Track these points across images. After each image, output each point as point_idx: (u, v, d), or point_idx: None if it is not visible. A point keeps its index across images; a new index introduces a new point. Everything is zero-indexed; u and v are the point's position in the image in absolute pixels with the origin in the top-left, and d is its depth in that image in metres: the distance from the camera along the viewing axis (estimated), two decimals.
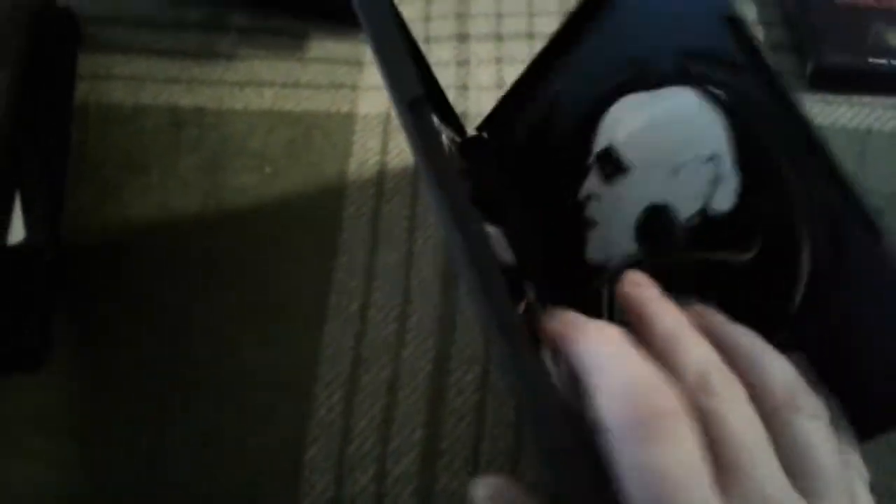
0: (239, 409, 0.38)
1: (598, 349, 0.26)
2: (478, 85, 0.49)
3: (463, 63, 0.51)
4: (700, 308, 0.31)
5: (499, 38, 0.52)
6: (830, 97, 0.49)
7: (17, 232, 0.36)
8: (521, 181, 0.42)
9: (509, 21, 0.53)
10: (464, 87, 0.49)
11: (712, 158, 0.35)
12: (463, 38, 0.52)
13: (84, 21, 0.50)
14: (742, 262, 0.34)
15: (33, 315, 0.38)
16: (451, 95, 0.49)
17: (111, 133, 0.46)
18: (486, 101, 0.46)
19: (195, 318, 0.41)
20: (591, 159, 0.38)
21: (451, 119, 0.44)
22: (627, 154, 0.37)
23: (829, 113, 0.48)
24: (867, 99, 0.49)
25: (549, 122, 0.41)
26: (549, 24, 0.53)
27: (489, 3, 0.54)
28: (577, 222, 0.38)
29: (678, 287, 0.34)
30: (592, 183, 0.38)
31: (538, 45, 0.51)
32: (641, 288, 0.30)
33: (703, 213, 0.35)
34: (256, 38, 0.51)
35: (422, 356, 0.40)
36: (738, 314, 0.32)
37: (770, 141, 0.33)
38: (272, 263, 0.42)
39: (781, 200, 0.33)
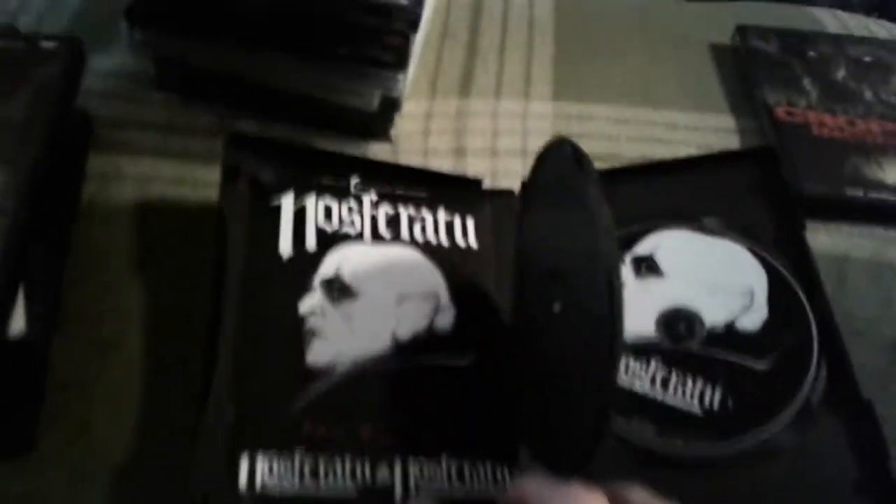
0: None
1: None
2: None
3: None
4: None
5: (494, 153, 0.55)
6: (809, 224, 0.51)
7: (17, 324, 0.37)
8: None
9: (504, 139, 0.55)
10: None
11: (748, 292, 0.45)
12: (460, 152, 0.54)
13: (96, 122, 0.52)
14: (754, 369, 0.42)
15: (26, 406, 0.38)
16: None
17: (115, 230, 0.48)
18: None
19: (184, 418, 0.41)
20: (628, 257, 0.46)
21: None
22: (665, 264, 0.46)
23: (808, 239, 0.50)
24: (845, 227, 0.51)
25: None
26: (541, 143, 0.55)
27: (486, 121, 0.56)
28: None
29: (687, 371, 0.42)
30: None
31: (530, 162, 0.54)
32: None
33: (729, 327, 0.44)
34: None
35: None
36: (736, 405, 0.41)
37: (799, 293, 0.45)
38: None
39: (802, 337, 0.43)
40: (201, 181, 0.51)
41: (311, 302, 0.41)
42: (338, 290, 0.42)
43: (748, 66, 0.60)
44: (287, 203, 0.44)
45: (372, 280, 0.43)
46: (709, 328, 0.43)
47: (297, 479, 0.36)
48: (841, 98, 0.58)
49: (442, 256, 0.45)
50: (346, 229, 0.44)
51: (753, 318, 0.44)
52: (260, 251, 0.42)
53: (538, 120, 0.57)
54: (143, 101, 0.55)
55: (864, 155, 0.54)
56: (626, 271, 0.46)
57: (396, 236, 0.45)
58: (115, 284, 0.45)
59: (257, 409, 0.37)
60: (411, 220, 0.46)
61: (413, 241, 0.45)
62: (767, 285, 0.45)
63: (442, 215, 0.47)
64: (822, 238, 0.50)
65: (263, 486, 0.35)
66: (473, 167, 0.53)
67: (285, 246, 0.42)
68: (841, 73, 0.60)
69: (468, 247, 0.46)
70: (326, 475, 0.36)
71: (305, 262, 0.42)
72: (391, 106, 0.52)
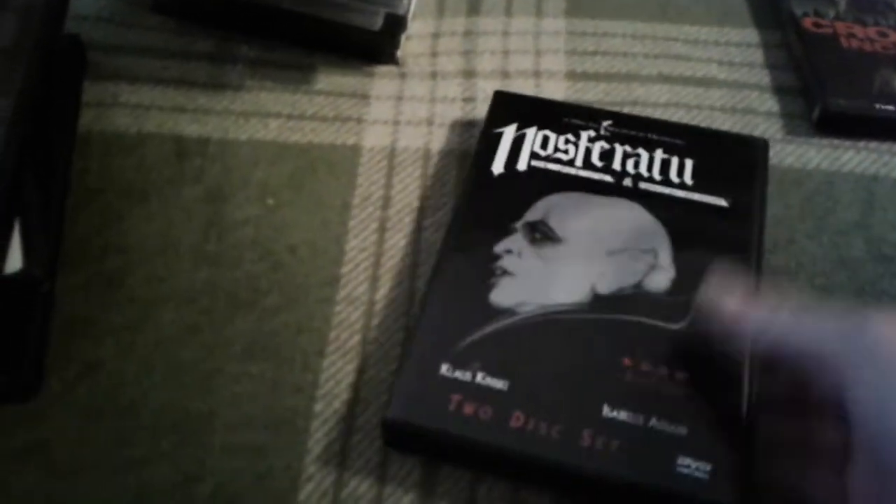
0: (232, 446, 0.38)
1: None
2: (483, 121, 0.49)
3: (469, 100, 0.51)
4: None
5: (505, 75, 0.52)
6: (837, 142, 0.49)
7: (14, 261, 0.36)
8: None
9: (515, 59, 0.53)
10: (470, 124, 0.49)
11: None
12: (469, 74, 0.52)
13: (91, 48, 0.51)
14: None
15: (29, 346, 0.37)
16: (457, 131, 0.49)
17: (114, 161, 0.46)
18: None
19: (189, 353, 0.40)
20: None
21: None
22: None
23: (835, 158, 0.48)
24: (874, 144, 0.49)
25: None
26: (554, 63, 0.53)
27: (496, 42, 0.54)
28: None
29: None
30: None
31: (543, 83, 0.52)
32: None
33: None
34: (264, 70, 0.51)
35: None
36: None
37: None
38: (273, 295, 0.42)
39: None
40: (201, 108, 0.49)
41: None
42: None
43: None
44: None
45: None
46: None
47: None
48: (872, 7, 0.55)
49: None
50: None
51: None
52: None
53: (551, 38, 0.54)
54: (137, 25, 0.52)
55: (895, 68, 0.51)
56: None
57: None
58: (115, 217, 0.44)
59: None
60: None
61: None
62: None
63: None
64: (851, 156, 0.48)
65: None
66: (484, 89, 0.51)
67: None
68: None
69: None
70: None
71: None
72: (397, 25, 0.50)
